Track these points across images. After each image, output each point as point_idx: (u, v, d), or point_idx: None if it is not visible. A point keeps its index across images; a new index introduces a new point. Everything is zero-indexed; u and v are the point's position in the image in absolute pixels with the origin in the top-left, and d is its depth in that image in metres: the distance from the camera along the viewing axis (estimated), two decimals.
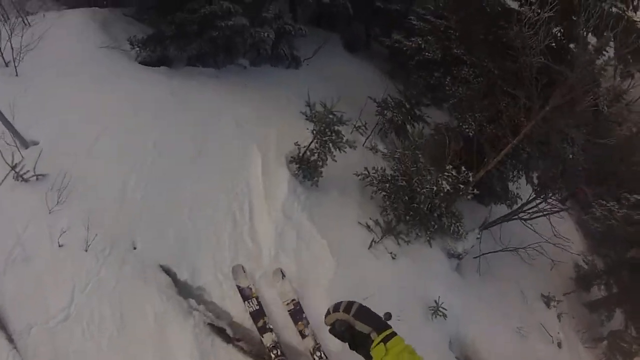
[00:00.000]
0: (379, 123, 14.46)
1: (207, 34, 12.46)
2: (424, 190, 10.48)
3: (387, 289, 9.33)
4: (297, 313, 7.01)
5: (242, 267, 7.40)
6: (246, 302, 6.95)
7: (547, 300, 16.64)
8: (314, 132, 9.83)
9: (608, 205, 14.97)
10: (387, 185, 10.87)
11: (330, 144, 9.82)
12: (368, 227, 10.69)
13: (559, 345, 15.43)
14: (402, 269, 10.58)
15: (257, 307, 6.89)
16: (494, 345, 12.02)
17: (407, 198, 10.85)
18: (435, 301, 10.21)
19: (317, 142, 9.96)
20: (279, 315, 7.42)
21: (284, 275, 7.46)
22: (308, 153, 10.21)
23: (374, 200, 11.19)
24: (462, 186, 10.71)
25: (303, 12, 21.15)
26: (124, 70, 11.72)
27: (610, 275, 18.33)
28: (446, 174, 10.69)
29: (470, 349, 11.63)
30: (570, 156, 12.20)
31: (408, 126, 14.04)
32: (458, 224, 11.48)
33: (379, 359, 1.70)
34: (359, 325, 1.78)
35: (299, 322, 6.87)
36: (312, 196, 10.26)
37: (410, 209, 10.89)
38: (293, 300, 7.10)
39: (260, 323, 6.76)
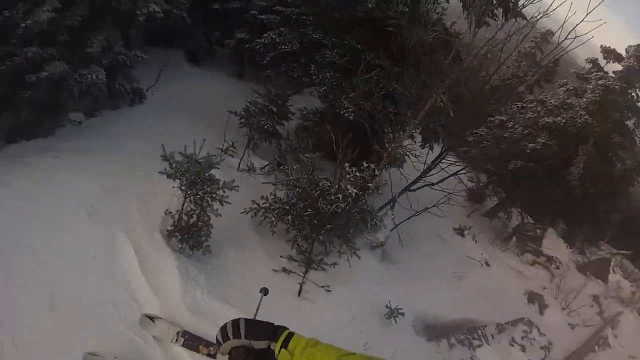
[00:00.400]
0: (247, 137, 11.99)
1: (19, 96, 9.19)
2: (331, 204, 8.40)
3: (340, 324, 8.11)
4: (192, 340, 5.94)
5: (146, 316, 6.16)
6: (175, 343, 5.95)
7: (460, 231, 16.61)
8: (183, 189, 7.66)
9: (477, 131, 15.22)
10: (287, 211, 9.06)
11: (208, 199, 7.60)
12: (285, 270, 8.97)
13: (487, 263, 15.38)
14: (343, 296, 8.98)
15: (187, 336, 5.91)
16: (445, 303, 11.95)
17: (311, 215, 8.96)
18: (387, 305, 9.12)
19: (190, 202, 7.82)
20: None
21: (152, 318, 6.15)
22: (185, 217, 7.94)
23: (277, 234, 9.30)
24: (369, 185, 8.67)
25: (136, 34, 17.37)
26: None
27: (495, 185, 19.14)
28: (349, 176, 8.56)
29: (430, 319, 11.23)
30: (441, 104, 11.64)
31: (279, 128, 12.03)
32: (374, 219, 9.76)
33: None
34: (255, 343, 1.47)
35: (201, 347, 5.82)
36: (210, 269, 8.05)
37: (319, 226, 9.02)
38: (178, 332, 6.00)
39: (205, 350, 5.80)
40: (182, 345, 5.88)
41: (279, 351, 1.45)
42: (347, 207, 8.95)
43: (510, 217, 20.53)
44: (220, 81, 17.45)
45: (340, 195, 8.64)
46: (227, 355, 1.55)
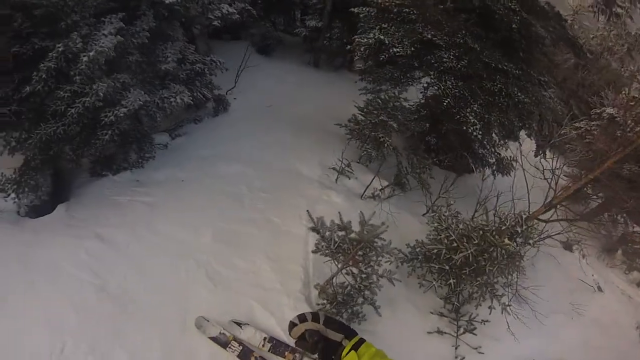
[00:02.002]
0: (361, 149, 9.81)
1: (98, 137, 7.15)
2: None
3: None
4: (277, 347, 5.70)
5: (204, 318, 5.84)
6: (227, 348, 5.55)
7: (568, 246, 13.96)
8: (336, 263, 5.94)
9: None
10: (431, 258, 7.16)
11: (370, 271, 5.92)
12: (439, 331, 6.97)
13: (600, 288, 12.86)
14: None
15: (241, 348, 5.54)
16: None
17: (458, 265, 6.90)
18: None
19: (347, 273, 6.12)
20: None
21: (240, 324, 5.84)
22: (340, 290, 6.13)
23: (425, 288, 7.24)
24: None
25: (200, 32, 15.55)
26: None
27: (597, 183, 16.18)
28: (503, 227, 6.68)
29: None
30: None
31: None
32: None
33: None
34: (330, 333, 1.49)
35: (286, 353, 5.61)
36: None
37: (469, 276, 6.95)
38: (265, 338, 5.74)
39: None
40: (269, 351, 5.61)
41: (349, 351, 1.42)
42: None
43: (616, 224, 17.11)
44: (298, 73, 15.34)
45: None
46: (294, 340, 1.49)
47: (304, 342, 1.49)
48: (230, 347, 5.54)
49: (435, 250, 6.96)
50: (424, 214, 9.35)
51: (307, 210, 6.15)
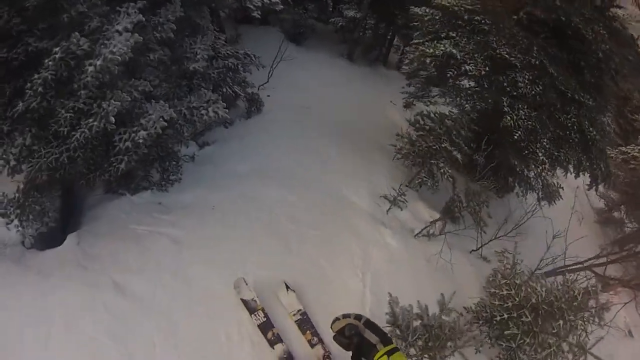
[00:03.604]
0: (413, 172, 7.95)
1: (114, 157, 5.30)
2: None
3: None
4: (304, 323, 5.25)
5: (244, 280, 5.35)
6: (253, 315, 5.09)
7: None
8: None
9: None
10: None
11: None
12: None
13: (630, 332, 10.69)
14: None
15: (265, 319, 5.09)
16: None
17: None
18: None
19: None
20: (286, 326, 5.26)
21: (288, 288, 5.42)
22: None
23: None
24: None
25: (228, 17, 13.50)
26: None
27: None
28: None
29: None
30: None
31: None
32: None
33: None
34: (367, 333, 1.45)
35: (307, 332, 5.18)
36: None
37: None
38: (299, 310, 5.29)
39: (270, 335, 5.01)
40: (296, 322, 5.24)
41: (382, 355, 1.37)
42: None
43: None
44: (332, 67, 13.34)
45: None
46: (334, 333, 1.47)
47: (341, 337, 1.44)
48: (255, 315, 5.07)
49: (498, 318, 5.31)
50: (472, 251, 7.64)
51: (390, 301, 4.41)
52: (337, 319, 1.49)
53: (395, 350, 1.41)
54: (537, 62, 7.08)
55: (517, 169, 9.11)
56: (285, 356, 4.96)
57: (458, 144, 7.32)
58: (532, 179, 9.24)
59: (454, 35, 7.26)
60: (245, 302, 5.20)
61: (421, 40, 7.78)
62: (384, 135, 10.32)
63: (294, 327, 5.27)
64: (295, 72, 11.37)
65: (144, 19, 5.21)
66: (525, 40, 7.19)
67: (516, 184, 9.51)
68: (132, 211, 6.18)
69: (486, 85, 7.33)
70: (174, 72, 6.36)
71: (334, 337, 1.49)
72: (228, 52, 8.08)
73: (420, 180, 7.80)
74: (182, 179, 6.77)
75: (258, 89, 9.93)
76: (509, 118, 7.13)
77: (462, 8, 7.40)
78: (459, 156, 7.29)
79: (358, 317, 1.48)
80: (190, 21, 7.25)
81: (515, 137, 7.26)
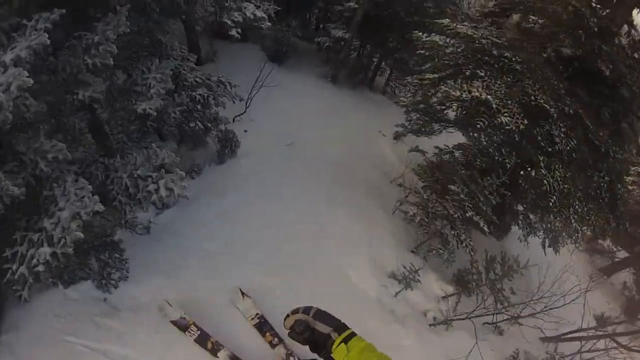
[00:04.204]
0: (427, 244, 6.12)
1: None
2: None
3: None
4: (263, 325, 4.72)
5: (167, 301, 4.51)
6: (186, 332, 4.40)
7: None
8: None
9: None
10: None
11: None
12: None
13: None
14: None
15: (199, 332, 4.44)
16: None
17: None
18: None
19: None
20: (243, 331, 4.54)
21: (244, 294, 4.79)
22: None
23: None
24: None
25: (204, 31, 11.25)
26: None
27: None
28: None
29: None
30: None
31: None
32: None
33: (341, 358, 1.22)
34: (318, 325, 1.30)
35: (267, 334, 4.66)
36: None
37: None
38: (257, 314, 4.75)
39: (209, 345, 4.37)
40: (254, 326, 4.64)
41: (339, 344, 1.24)
42: None
43: None
44: (316, 91, 11.43)
45: None
46: (288, 331, 1.32)
47: (294, 333, 1.29)
48: (189, 332, 4.45)
49: None
50: (485, 323, 5.89)
51: None
52: (287, 315, 1.32)
53: (351, 335, 1.24)
54: (571, 111, 5.42)
55: (523, 215, 7.48)
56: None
57: (484, 212, 5.51)
58: (536, 223, 7.66)
59: (482, 74, 5.43)
60: (175, 323, 4.48)
61: (437, 75, 5.93)
62: (378, 176, 8.46)
63: (254, 331, 4.65)
64: (276, 97, 9.30)
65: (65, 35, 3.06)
66: (559, 85, 5.51)
67: (518, 227, 7.82)
68: (66, 313, 3.94)
69: (517, 138, 5.54)
70: (117, 114, 4.15)
71: (289, 335, 1.30)
72: (197, 79, 5.91)
73: (433, 250, 5.96)
74: (135, 265, 4.54)
75: (233, 121, 7.78)
76: (545, 182, 5.41)
77: (489, 41, 5.61)
78: (485, 227, 5.50)
79: (306, 310, 1.31)
80: (150, 36, 5.08)
81: (551, 203, 5.58)
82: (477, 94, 4.88)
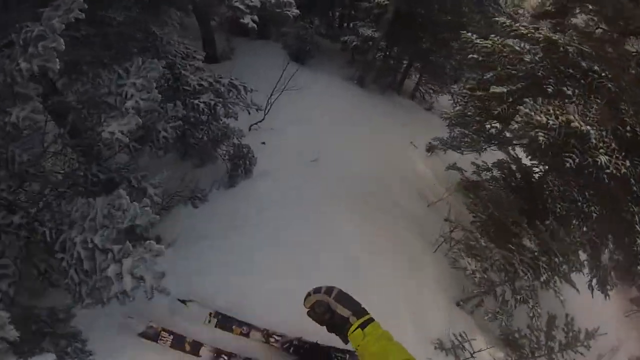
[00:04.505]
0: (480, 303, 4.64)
1: None
2: None
3: None
4: (225, 321, 3.90)
5: (129, 316, 3.72)
6: (159, 341, 3.70)
7: None
8: None
9: None
10: None
11: None
12: None
13: None
14: None
15: (172, 336, 3.74)
16: None
17: None
18: None
19: None
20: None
21: (185, 301, 3.93)
22: None
23: None
24: None
25: (219, 25, 9.97)
26: None
27: None
28: None
29: None
30: None
31: None
32: None
33: (357, 343, 1.16)
34: (339, 308, 1.20)
35: (234, 328, 3.88)
36: None
37: None
38: (210, 314, 3.91)
39: (187, 346, 3.71)
40: (216, 326, 3.85)
41: (356, 329, 1.16)
42: None
43: None
44: (343, 94, 9.71)
45: None
46: (307, 309, 1.23)
47: (313, 312, 1.22)
48: (161, 339, 3.70)
49: None
50: None
51: None
52: (308, 294, 1.23)
53: (369, 321, 1.17)
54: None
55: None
56: (215, 354, 3.70)
57: (562, 272, 4.05)
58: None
59: (570, 92, 3.93)
60: (144, 335, 3.76)
61: (504, 90, 4.43)
62: (412, 197, 7.00)
63: (218, 332, 3.90)
64: (299, 101, 7.92)
65: None
66: None
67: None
68: None
69: (606, 180, 4.03)
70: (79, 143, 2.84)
71: (308, 313, 1.23)
72: (202, 82, 4.58)
73: (485, 309, 4.54)
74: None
75: (250, 129, 6.45)
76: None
77: (575, 49, 4.09)
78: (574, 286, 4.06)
79: (328, 290, 1.21)
80: (143, 28, 3.79)
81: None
82: (575, 123, 3.39)
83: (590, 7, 4.88)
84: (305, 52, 10.27)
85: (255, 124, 6.55)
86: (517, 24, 4.31)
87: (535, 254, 4.06)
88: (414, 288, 4.62)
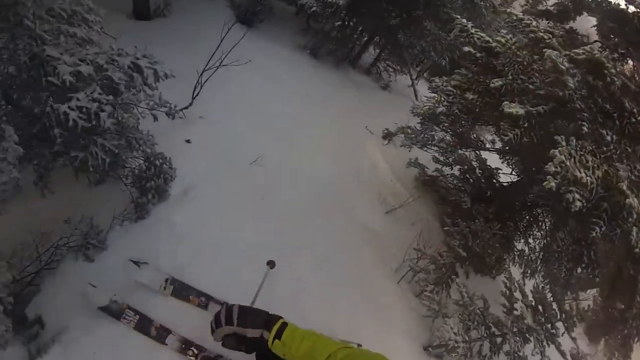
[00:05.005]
0: None
1: None
2: None
3: None
4: (181, 290, 3.02)
5: (91, 284, 2.75)
6: (122, 319, 2.76)
7: None
8: None
9: None
10: None
11: None
12: None
13: None
14: None
15: (137, 317, 2.80)
16: None
17: None
18: None
19: None
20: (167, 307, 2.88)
21: (138, 263, 3.01)
22: None
23: None
24: None
25: None
26: None
27: None
28: None
29: None
30: None
31: None
32: None
33: (282, 353, 1.02)
34: (249, 332, 1.06)
35: (192, 297, 3.02)
36: None
37: None
38: (167, 280, 3.01)
39: (153, 331, 2.78)
40: (172, 294, 2.96)
41: (273, 341, 1.03)
42: None
43: None
44: (294, 67, 7.75)
45: None
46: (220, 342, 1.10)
47: (228, 344, 1.08)
48: (124, 318, 2.76)
49: None
50: None
51: None
52: (211, 329, 1.08)
53: (283, 327, 1.03)
54: None
55: None
56: (183, 345, 2.78)
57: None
58: None
59: (609, 138, 2.73)
60: (105, 309, 2.77)
61: (521, 111, 3.07)
62: (370, 201, 5.77)
63: (173, 300, 2.96)
64: (240, 77, 6.05)
65: None
66: None
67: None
68: None
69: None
70: None
71: (222, 345, 1.09)
72: (84, 64, 2.72)
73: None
74: None
75: (173, 115, 4.58)
76: None
77: (619, 79, 2.85)
78: None
79: (228, 317, 1.05)
80: None
81: None
82: (621, 186, 2.25)
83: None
84: (254, 13, 8.12)
85: (181, 109, 4.69)
86: (534, 23, 2.98)
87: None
88: (372, 328, 3.55)
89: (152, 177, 3.20)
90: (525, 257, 5.30)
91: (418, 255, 4.24)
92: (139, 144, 3.07)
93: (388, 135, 7.80)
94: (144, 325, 2.83)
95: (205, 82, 4.91)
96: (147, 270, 2.99)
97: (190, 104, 4.74)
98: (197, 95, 4.80)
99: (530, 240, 5.28)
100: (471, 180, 5.80)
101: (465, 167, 5.91)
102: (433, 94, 5.90)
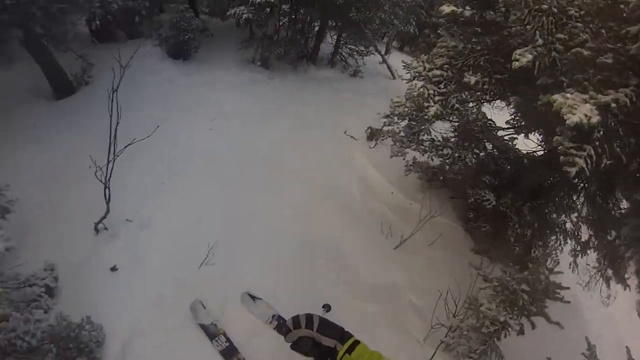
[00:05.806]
0: None
1: None
2: None
3: None
4: (282, 327, 2.89)
5: (201, 303, 2.92)
6: (213, 341, 2.77)
7: None
8: None
9: None
10: None
11: None
12: None
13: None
14: None
15: (227, 344, 2.77)
16: None
17: None
18: None
19: None
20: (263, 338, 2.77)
21: (254, 298, 3.05)
22: None
23: None
24: None
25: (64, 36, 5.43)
26: None
27: None
28: None
29: None
30: None
31: None
32: None
33: None
34: (324, 339, 1.15)
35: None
36: None
37: None
38: (274, 315, 2.99)
39: None
40: (274, 329, 2.92)
41: (343, 355, 1.09)
42: None
43: None
44: (245, 86, 5.94)
45: None
46: (289, 344, 1.13)
47: (299, 348, 1.14)
48: (216, 341, 2.75)
49: None
50: None
51: None
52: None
53: (355, 344, 1.10)
54: None
55: None
56: None
57: None
58: None
59: None
60: (204, 327, 2.84)
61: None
62: (374, 237, 4.24)
63: (274, 334, 2.83)
64: (171, 137, 4.43)
65: None
66: None
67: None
68: None
69: None
70: None
71: (291, 347, 1.15)
72: None
73: None
74: None
75: (96, 229, 3.02)
76: None
77: None
78: None
79: (309, 322, 1.14)
80: None
81: None
82: None
83: None
84: (184, 42, 6.30)
85: (99, 222, 3.18)
86: None
87: None
88: None
89: None
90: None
91: (448, 314, 2.70)
92: None
93: (373, 135, 6.09)
94: (229, 353, 2.73)
95: (112, 172, 3.29)
96: (259, 304, 3.01)
97: (107, 212, 3.18)
98: (109, 200, 3.23)
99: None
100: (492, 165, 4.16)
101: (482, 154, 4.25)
102: (413, 81, 3.97)
